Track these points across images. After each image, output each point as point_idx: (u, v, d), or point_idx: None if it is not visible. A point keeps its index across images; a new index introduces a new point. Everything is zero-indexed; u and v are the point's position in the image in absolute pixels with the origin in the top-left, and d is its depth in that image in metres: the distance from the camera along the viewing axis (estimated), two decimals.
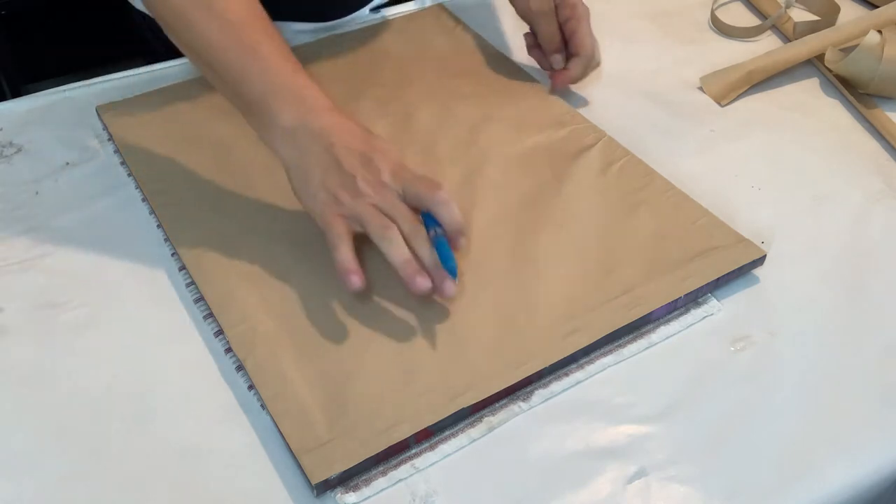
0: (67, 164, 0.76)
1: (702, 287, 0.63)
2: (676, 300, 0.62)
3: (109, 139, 0.77)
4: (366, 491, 0.53)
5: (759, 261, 0.65)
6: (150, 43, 0.93)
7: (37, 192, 0.73)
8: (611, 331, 0.60)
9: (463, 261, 0.64)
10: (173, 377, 0.59)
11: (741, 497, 0.53)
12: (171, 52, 0.90)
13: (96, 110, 0.79)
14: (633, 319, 0.61)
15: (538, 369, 0.58)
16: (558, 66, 0.80)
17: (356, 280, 0.59)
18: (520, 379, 0.57)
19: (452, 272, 0.58)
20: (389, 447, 0.53)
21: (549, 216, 0.69)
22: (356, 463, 0.53)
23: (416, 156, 0.74)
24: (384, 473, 0.54)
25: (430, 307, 0.61)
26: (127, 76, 0.85)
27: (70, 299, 0.64)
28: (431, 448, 0.55)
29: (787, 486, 0.54)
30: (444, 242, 0.59)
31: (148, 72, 0.86)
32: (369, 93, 0.81)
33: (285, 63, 0.63)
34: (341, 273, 0.59)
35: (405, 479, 0.54)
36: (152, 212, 0.70)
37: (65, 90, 0.83)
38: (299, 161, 0.61)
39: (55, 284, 0.65)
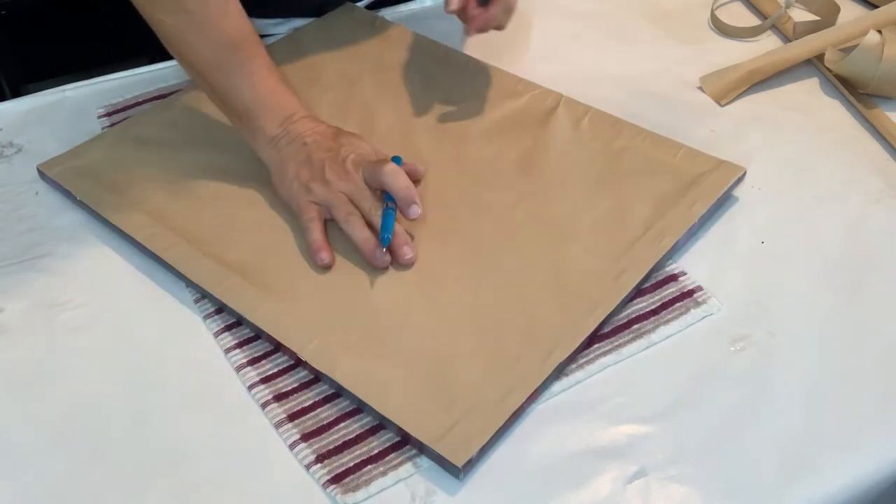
0: None
1: (707, 211, 0.68)
2: (692, 226, 0.67)
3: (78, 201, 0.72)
4: (366, 490, 0.53)
5: (742, 178, 0.72)
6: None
7: (37, 193, 0.73)
8: (654, 263, 0.64)
9: (496, 235, 0.67)
10: (173, 377, 0.59)
11: (741, 497, 0.53)
12: None
13: (38, 169, 0.73)
14: (667, 250, 0.65)
15: (605, 314, 0.61)
16: (451, 8, 0.74)
17: (325, 256, 0.65)
18: (599, 321, 0.61)
19: (384, 241, 0.64)
20: (511, 415, 0.55)
21: (548, 178, 0.72)
22: (491, 435, 0.54)
23: (395, 149, 0.73)
24: (384, 473, 0.54)
25: (487, 284, 0.64)
26: (127, 76, 0.85)
27: (70, 299, 0.64)
28: None
29: (787, 486, 0.54)
30: (389, 214, 0.65)
31: (148, 71, 0.86)
32: (321, 99, 0.80)
33: (268, 78, 0.70)
34: (313, 251, 0.65)
35: (406, 478, 0.54)
36: (154, 255, 0.66)
37: (65, 90, 0.83)
38: (279, 161, 0.69)
39: (55, 284, 0.65)
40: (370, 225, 0.66)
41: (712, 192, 0.70)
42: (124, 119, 0.79)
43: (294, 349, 0.59)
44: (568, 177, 0.72)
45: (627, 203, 0.69)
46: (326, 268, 0.65)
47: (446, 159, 0.74)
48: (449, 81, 0.82)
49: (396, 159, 0.70)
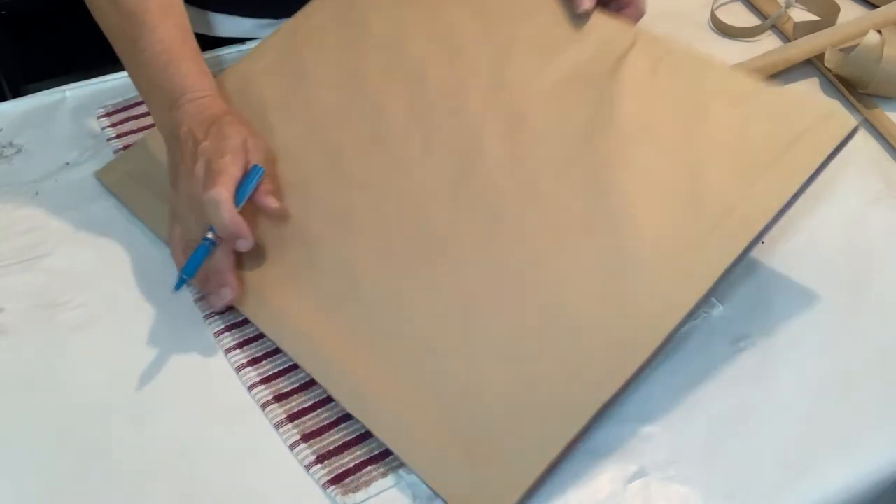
0: (67, 164, 0.75)
1: (808, 179, 0.57)
2: (788, 202, 0.56)
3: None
4: (366, 491, 0.53)
5: (853, 134, 0.58)
6: None
7: (37, 193, 0.73)
8: (732, 261, 0.54)
9: (546, 230, 0.59)
10: (173, 377, 0.59)
11: (741, 497, 0.53)
12: None
13: (96, 176, 0.73)
14: (755, 236, 0.55)
15: (663, 337, 0.53)
16: (586, 7, 0.68)
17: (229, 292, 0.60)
18: (658, 343, 0.53)
19: (179, 281, 0.59)
20: (544, 470, 0.51)
21: (617, 144, 0.61)
22: (520, 496, 0.50)
23: (450, 118, 0.66)
24: (385, 474, 0.54)
25: (530, 300, 0.57)
26: (127, 76, 0.85)
27: (70, 299, 0.64)
28: None
29: (787, 486, 0.54)
30: (201, 249, 0.58)
31: None
32: (370, 61, 0.70)
33: (161, 55, 0.63)
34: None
35: (406, 479, 0.54)
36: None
37: (65, 90, 0.83)
38: (169, 157, 0.64)
39: (55, 284, 0.65)
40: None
41: (814, 155, 0.57)
42: (126, 119, 0.79)
43: (329, 390, 0.57)
44: (639, 142, 0.61)
45: (709, 174, 0.58)
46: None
47: (502, 130, 0.64)
48: (504, 22, 0.70)
49: (256, 170, 0.60)
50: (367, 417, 0.55)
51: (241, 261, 0.63)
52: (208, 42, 0.89)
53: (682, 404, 0.58)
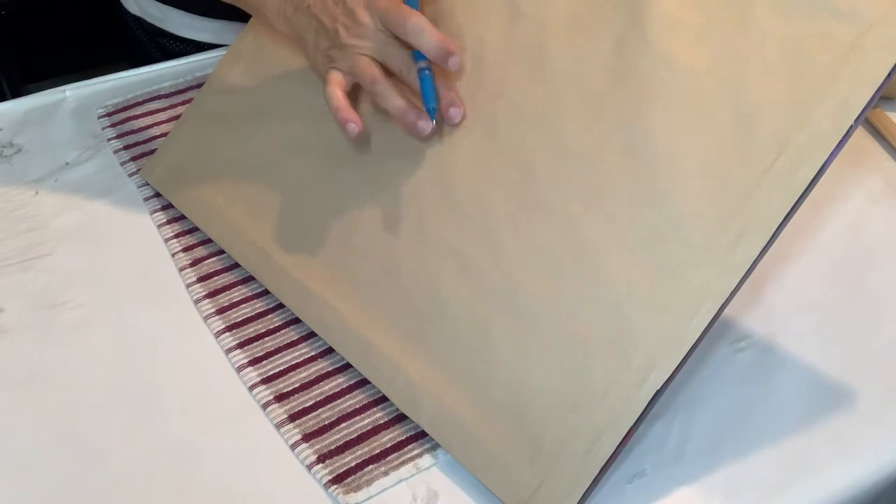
0: (67, 164, 0.76)
1: (868, 102, 0.47)
2: (849, 128, 0.47)
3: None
4: (367, 490, 0.53)
5: None
6: (144, 45, 0.93)
7: (37, 192, 0.73)
8: (786, 212, 0.47)
9: (579, 195, 0.54)
10: (173, 377, 0.59)
11: (741, 497, 0.53)
12: (164, 55, 0.90)
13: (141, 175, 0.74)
14: (804, 187, 0.47)
15: (717, 308, 0.48)
16: None
17: (353, 127, 0.58)
18: (703, 329, 0.48)
19: (431, 113, 0.57)
20: (600, 469, 0.50)
21: (646, 87, 0.53)
22: (579, 499, 0.49)
23: (470, 61, 0.60)
24: (386, 473, 0.54)
25: (569, 273, 0.52)
26: (127, 76, 0.85)
27: (70, 299, 0.64)
28: (434, 448, 0.55)
29: (787, 486, 0.54)
30: (426, 78, 0.57)
31: (148, 71, 0.86)
32: (486, 30, 0.61)
33: None
34: (339, 123, 0.58)
35: (407, 478, 0.54)
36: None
37: (65, 90, 0.83)
38: (297, 36, 0.63)
39: (55, 284, 0.65)
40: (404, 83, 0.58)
41: (877, 68, 0.46)
42: (126, 119, 0.79)
43: (381, 388, 0.57)
44: (672, 71, 0.52)
45: (756, 102, 0.49)
46: (356, 138, 0.60)
47: (521, 76, 0.58)
48: None
49: (411, 2, 0.58)
50: (422, 418, 0.55)
51: (287, 256, 0.63)
52: (203, 45, 0.90)
53: (681, 404, 0.58)
